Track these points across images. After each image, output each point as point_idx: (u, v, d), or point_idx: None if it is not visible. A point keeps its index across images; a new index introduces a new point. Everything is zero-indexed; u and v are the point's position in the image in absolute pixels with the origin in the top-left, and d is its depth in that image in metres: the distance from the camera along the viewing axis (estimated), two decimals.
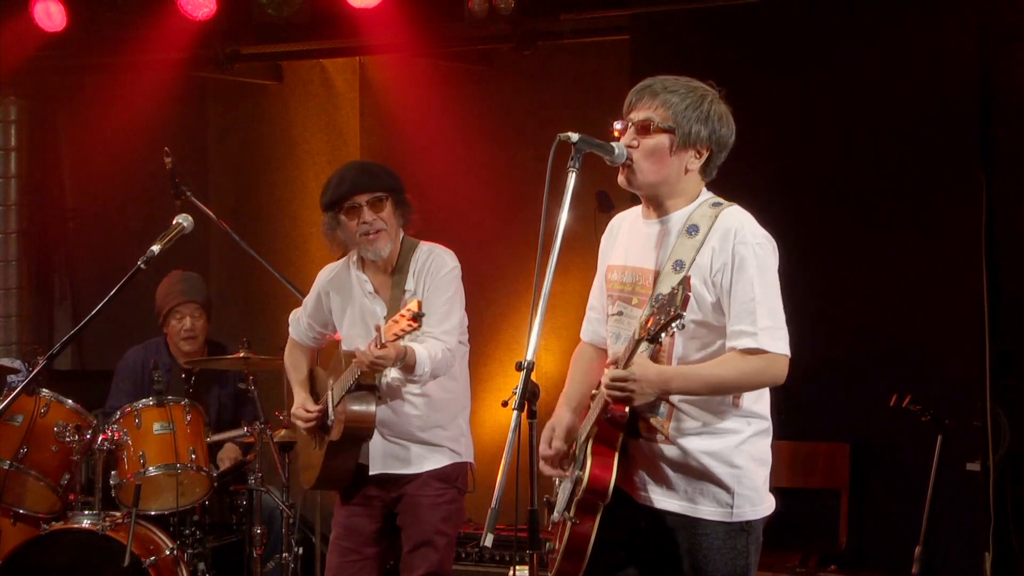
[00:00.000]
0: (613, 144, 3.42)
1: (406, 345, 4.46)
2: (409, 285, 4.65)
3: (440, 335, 4.58)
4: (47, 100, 8.25)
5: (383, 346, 4.34)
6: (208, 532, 6.05)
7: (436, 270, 4.65)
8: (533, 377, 3.14)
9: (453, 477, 4.72)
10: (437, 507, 4.67)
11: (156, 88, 7.48)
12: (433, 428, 4.68)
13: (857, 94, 6.02)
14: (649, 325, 3.19)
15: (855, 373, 5.98)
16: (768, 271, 3.42)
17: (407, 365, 4.49)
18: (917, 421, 5.59)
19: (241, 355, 5.90)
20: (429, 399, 4.67)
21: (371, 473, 4.69)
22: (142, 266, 4.06)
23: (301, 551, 5.94)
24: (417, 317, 4.26)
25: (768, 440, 3.53)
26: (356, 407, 4.60)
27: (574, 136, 3.32)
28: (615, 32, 6.69)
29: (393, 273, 4.69)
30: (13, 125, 8.11)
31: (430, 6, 6.66)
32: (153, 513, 5.76)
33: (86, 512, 5.67)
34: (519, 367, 3.12)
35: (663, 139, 3.43)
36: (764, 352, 3.37)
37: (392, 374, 4.59)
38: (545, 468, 3.57)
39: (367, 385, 4.59)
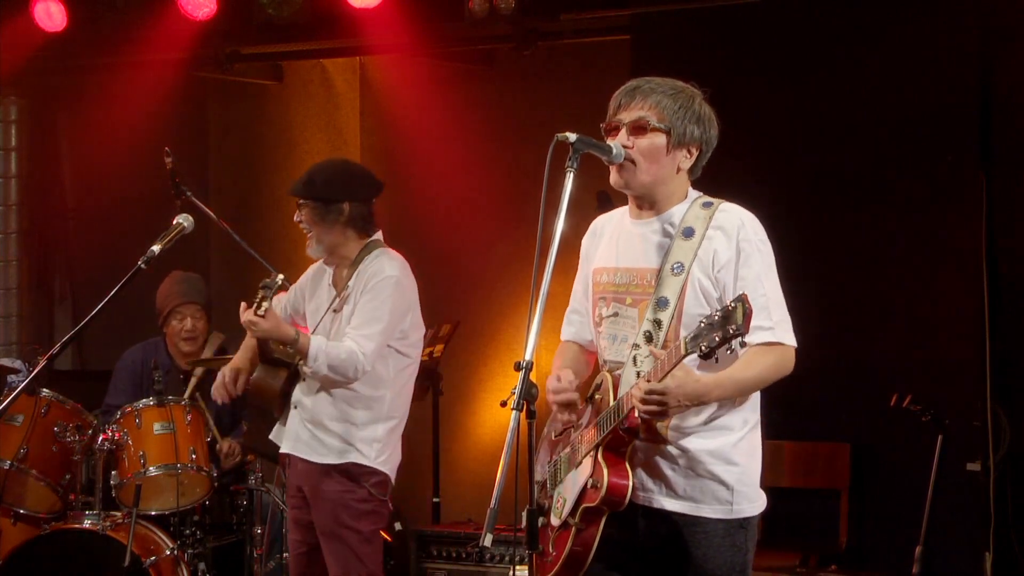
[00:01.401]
0: (611, 144, 3.42)
1: (304, 333, 4.64)
2: (351, 283, 4.76)
3: (357, 336, 4.65)
4: (47, 100, 8.24)
5: (258, 313, 4.55)
6: (208, 532, 6.05)
7: (373, 274, 4.73)
8: (532, 377, 3.13)
9: (361, 478, 4.71)
10: (345, 504, 4.70)
11: (156, 88, 7.49)
12: (345, 423, 4.71)
13: (857, 94, 6.02)
14: (702, 341, 3.13)
15: (855, 373, 5.98)
16: (772, 265, 3.45)
17: (300, 351, 4.62)
18: (917, 421, 5.59)
19: None
20: (347, 394, 4.71)
21: (280, 450, 4.82)
22: (142, 266, 4.06)
23: None
24: (262, 286, 4.58)
25: (759, 432, 3.54)
26: (259, 376, 4.80)
27: (572, 136, 3.31)
28: (615, 32, 6.69)
29: (348, 269, 4.81)
30: (13, 125, 8.11)
31: (430, 6, 6.66)
32: (153, 513, 5.75)
33: (86, 512, 5.67)
34: (518, 367, 3.12)
35: (659, 138, 3.43)
36: (779, 345, 3.39)
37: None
38: (560, 397, 3.50)
39: (278, 360, 4.73)
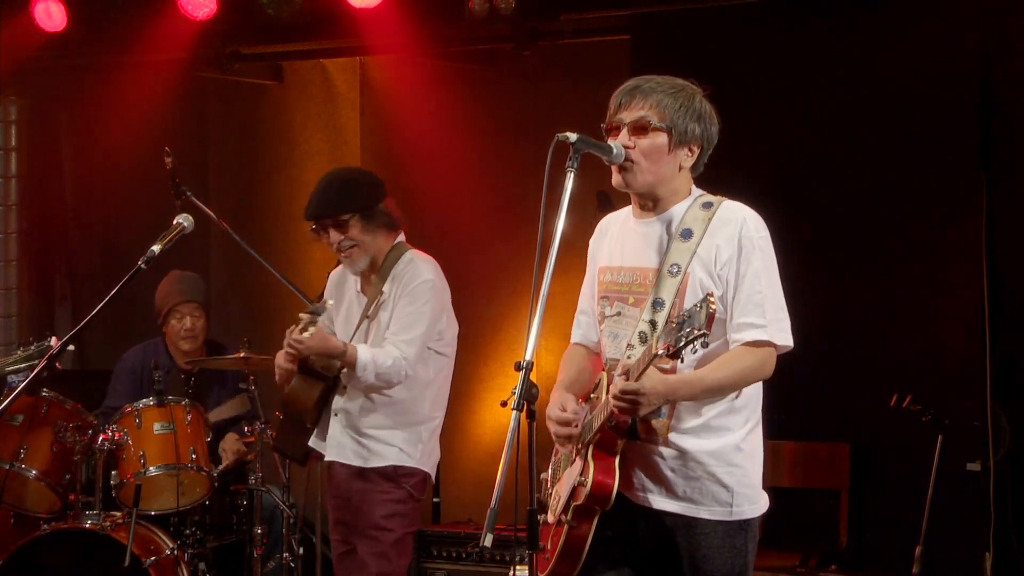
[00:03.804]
0: (611, 144, 3.42)
1: (350, 344, 4.68)
2: (386, 288, 4.79)
3: (399, 343, 4.71)
4: (47, 100, 8.24)
5: (302, 330, 4.57)
6: (209, 532, 6.05)
7: (410, 280, 4.76)
8: (532, 377, 3.14)
9: (401, 479, 4.78)
10: (381, 503, 4.75)
11: (156, 88, 7.48)
12: (389, 429, 4.78)
13: (857, 94, 6.02)
14: (670, 341, 3.14)
15: (855, 373, 5.98)
16: (773, 263, 3.46)
17: (348, 363, 4.66)
18: (917, 421, 5.59)
19: (241, 355, 5.90)
20: (388, 400, 4.77)
21: (326, 459, 4.87)
22: (142, 266, 4.06)
23: (302, 551, 5.94)
24: (311, 311, 4.60)
25: (760, 432, 3.54)
26: (296, 387, 4.83)
27: (572, 136, 3.32)
28: (615, 32, 6.68)
29: (377, 275, 4.82)
30: (13, 125, 8.12)
31: (430, 6, 6.65)
32: (153, 513, 5.76)
33: (86, 512, 5.67)
34: (518, 367, 3.13)
35: (660, 138, 3.43)
36: (767, 345, 3.38)
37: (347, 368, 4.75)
38: (562, 430, 3.53)
39: (317, 372, 4.77)
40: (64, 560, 5.55)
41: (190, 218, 4.20)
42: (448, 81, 7.35)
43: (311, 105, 7.86)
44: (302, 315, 4.66)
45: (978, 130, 5.85)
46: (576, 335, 3.79)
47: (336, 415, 4.84)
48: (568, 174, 3.29)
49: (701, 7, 6.36)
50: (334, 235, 4.77)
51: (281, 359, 4.82)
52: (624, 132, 3.44)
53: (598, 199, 6.44)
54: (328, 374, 4.80)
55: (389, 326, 4.75)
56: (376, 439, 4.78)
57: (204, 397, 6.27)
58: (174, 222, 4.18)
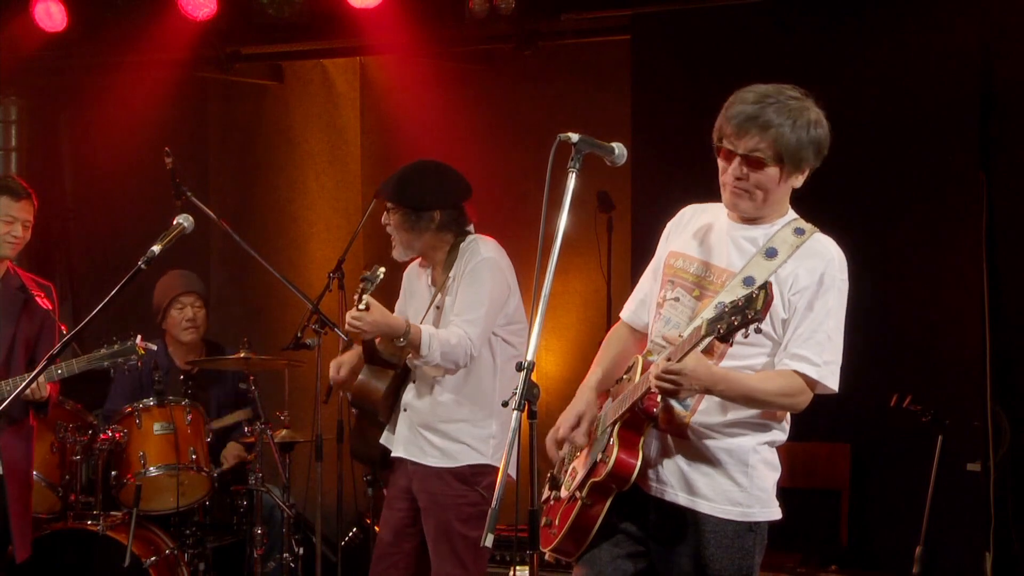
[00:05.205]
0: (613, 144, 3.42)
1: (413, 323, 4.54)
2: (451, 273, 4.70)
3: (461, 322, 4.58)
4: (47, 100, 8.24)
5: (359, 308, 4.43)
6: (209, 532, 6.05)
7: (469, 259, 4.67)
8: (533, 377, 3.13)
9: (474, 480, 4.64)
10: (456, 507, 4.63)
11: (157, 88, 7.48)
12: (459, 422, 4.65)
13: (858, 94, 6.02)
14: (722, 323, 3.15)
15: (855, 373, 5.95)
16: (843, 308, 3.49)
17: (411, 342, 4.52)
18: (917, 421, 5.59)
19: (241, 355, 5.91)
20: (459, 393, 4.65)
21: (392, 455, 4.73)
22: (143, 267, 4.05)
23: (302, 551, 5.95)
24: (363, 279, 4.48)
25: (776, 452, 3.57)
26: (363, 379, 4.70)
27: (574, 136, 3.31)
28: (615, 32, 6.68)
29: (444, 265, 4.75)
30: (13, 125, 8.11)
31: (431, 6, 6.66)
32: (154, 513, 5.76)
33: (87, 512, 5.67)
34: (519, 367, 3.12)
35: (773, 171, 3.43)
36: (814, 384, 3.44)
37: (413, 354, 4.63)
38: (551, 448, 3.58)
39: (385, 361, 4.65)
40: (64, 560, 5.55)
41: (190, 218, 4.19)
42: (448, 81, 7.35)
43: (311, 105, 7.86)
44: (360, 286, 4.54)
45: (978, 130, 5.85)
46: (627, 312, 3.76)
47: (405, 410, 4.71)
48: (570, 174, 3.29)
49: (701, 7, 6.35)
50: (384, 217, 4.73)
51: (339, 370, 4.76)
52: (736, 163, 3.43)
53: (598, 199, 6.47)
54: (395, 362, 4.66)
55: (454, 308, 4.63)
56: (446, 435, 4.63)
57: (204, 398, 6.28)
58: (174, 222, 4.17)
